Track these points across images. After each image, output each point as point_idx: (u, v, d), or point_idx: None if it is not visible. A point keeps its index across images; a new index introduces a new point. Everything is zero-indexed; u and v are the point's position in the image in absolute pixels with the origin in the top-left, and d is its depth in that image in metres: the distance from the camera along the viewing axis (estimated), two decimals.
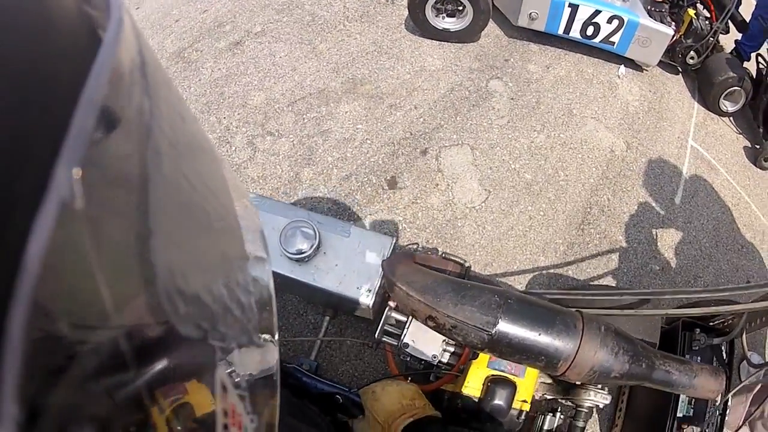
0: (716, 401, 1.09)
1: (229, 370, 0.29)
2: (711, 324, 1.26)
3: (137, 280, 0.21)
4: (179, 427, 0.24)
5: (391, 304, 1.22)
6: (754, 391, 1.23)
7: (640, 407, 1.42)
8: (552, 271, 2.21)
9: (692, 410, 1.17)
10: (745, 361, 1.26)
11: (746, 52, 3.33)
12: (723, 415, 1.14)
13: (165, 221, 0.23)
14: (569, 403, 1.10)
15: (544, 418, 1.10)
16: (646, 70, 3.21)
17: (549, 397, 1.14)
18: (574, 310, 0.80)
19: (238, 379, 0.31)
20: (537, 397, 1.13)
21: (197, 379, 0.27)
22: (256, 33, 2.96)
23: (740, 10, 3.09)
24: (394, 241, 1.30)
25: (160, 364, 0.23)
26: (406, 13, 2.95)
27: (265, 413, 0.36)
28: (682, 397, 1.11)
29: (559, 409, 1.10)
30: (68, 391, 0.16)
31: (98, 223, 0.18)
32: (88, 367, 0.17)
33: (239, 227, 0.35)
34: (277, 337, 0.40)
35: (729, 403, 1.12)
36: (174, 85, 0.27)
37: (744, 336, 1.14)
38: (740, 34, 3.24)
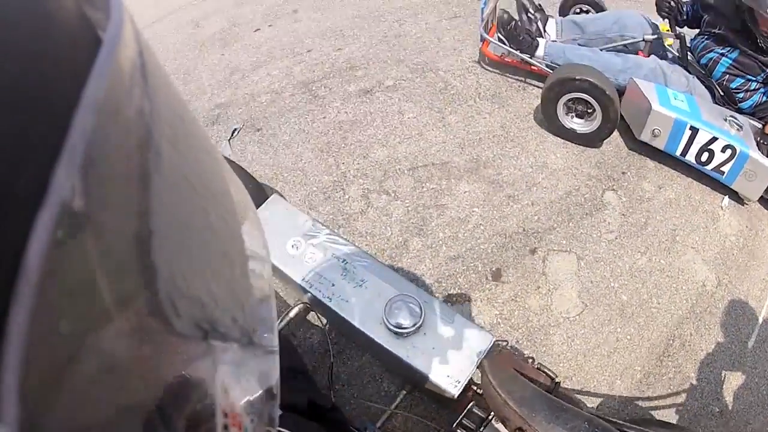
0: None
1: (228, 370, 0.30)
2: None
3: (138, 280, 0.21)
4: (180, 427, 0.25)
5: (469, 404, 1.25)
6: None
7: None
8: (625, 395, 2.26)
9: None
10: None
11: None
12: None
13: (165, 221, 0.23)
14: None
15: None
16: (747, 204, 3.21)
17: None
18: None
19: (238, 379, 0.31)
20: None
21: (198, 379, 0.27)
22: (387, 86, 2.98)
23: None
24: (493, 340, 1.31)
25: (161, 364, 0.23)
26: (536, 102, 2.98)
27: (265, 414, 0.37)
28: None
29: None
30: (69, 392, 0.17)
31: (99, 223, 0.18)
32: (89, 368, 0.18)
33: (240, 227, 0.36)
34: (276, 340, 0.40)
35: None
36: (175, 86, 0.28)
37: None
38: None
